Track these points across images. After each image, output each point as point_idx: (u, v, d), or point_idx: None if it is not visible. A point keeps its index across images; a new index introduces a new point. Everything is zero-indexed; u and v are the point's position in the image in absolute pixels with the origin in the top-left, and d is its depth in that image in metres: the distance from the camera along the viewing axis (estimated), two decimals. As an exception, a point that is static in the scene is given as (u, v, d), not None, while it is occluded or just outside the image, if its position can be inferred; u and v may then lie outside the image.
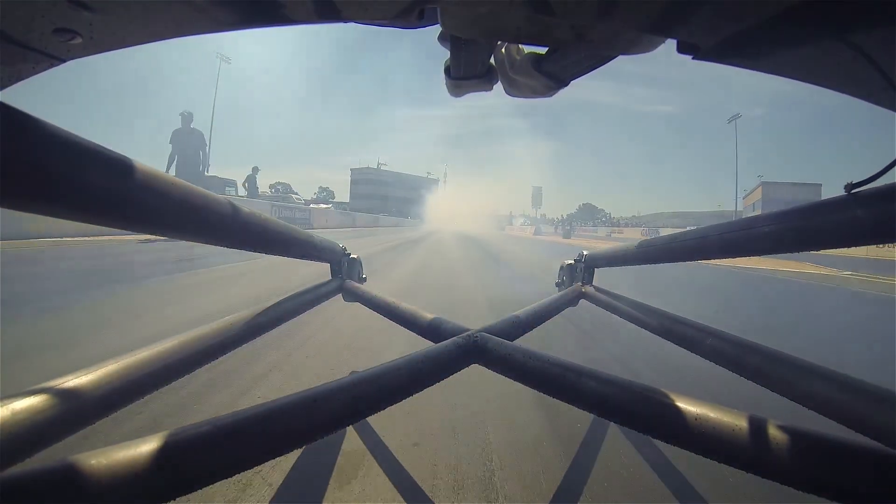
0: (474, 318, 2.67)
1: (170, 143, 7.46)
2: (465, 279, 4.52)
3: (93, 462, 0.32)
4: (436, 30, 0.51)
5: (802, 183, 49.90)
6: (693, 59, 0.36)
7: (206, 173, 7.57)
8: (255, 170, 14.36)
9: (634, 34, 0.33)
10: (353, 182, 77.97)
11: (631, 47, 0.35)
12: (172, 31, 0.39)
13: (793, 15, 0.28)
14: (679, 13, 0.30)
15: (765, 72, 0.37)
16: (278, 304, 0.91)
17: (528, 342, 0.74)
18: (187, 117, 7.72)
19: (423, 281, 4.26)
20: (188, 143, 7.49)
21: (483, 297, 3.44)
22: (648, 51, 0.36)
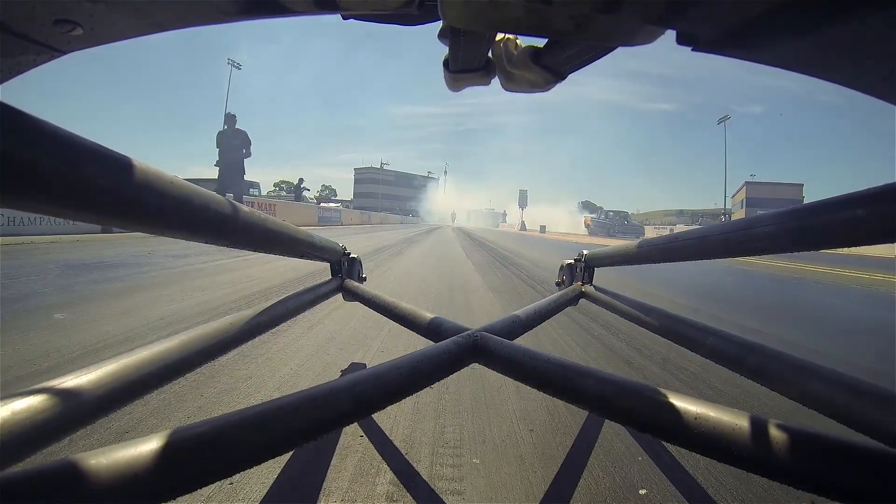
0: (458, 248, 8.25)
1: (216, 145, 7.67)
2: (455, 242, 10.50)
3: (92, 462, 0.32)
4: (435, 28, 0.51)
5: (783, 183, 52.65)
6: (692, 50, 0.35)
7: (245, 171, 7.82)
8: (301, 180, 21.05)
9: (634, 25, 0.33)
10: (357, 181, 78.32)
11: (630, 38, 0.34)
12: (173, 22, 0.39)
13: (794, 3, 0.28)
14: (681, 3, 0.29)
15: (764, 63, 0.37)
16: (278, 303, 0.91)
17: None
18: (231, 118, 7.96)
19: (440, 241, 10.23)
20: (232, 143, 7.78)
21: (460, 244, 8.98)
22: (648, 42, 0.35)
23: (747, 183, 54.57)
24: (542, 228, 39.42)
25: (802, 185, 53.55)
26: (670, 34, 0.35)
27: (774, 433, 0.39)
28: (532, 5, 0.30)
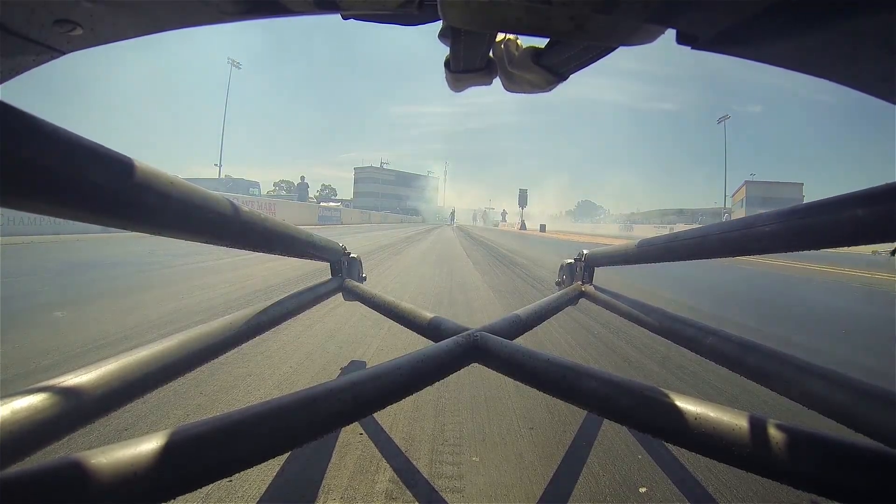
0: (459, 248, 8.80)
1: None
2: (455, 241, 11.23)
3: (93, 461, 0.32)
4: (435, 28, 0.50)
5: (783, 182, 52.63)
6: (692, 49, 0.35)
7: None
8: (303, 178, 23.29)
9: (634, 24, 0.33)
10: (357, 180, 78.34)
11: (630, 38, 0.34)
12: (172, 22, 0.39)
13: (794, 3, 0.28)
14: (681, 2, 0.29)
15: (764, 62, 0.37)
16: (278, 303, 0.91)
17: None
18: None
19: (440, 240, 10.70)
20: None
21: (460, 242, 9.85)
22: (648, 41, 0.35)
23: (747, 182, 54.92)
24: (542, 227, 39.23)
25: (802, 184, 53.80)
26: (670, 34, 0.35)
27: (774, 433, 0.39)
28: (532, 5, 0.29)
